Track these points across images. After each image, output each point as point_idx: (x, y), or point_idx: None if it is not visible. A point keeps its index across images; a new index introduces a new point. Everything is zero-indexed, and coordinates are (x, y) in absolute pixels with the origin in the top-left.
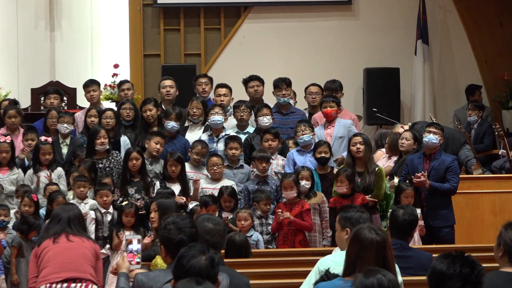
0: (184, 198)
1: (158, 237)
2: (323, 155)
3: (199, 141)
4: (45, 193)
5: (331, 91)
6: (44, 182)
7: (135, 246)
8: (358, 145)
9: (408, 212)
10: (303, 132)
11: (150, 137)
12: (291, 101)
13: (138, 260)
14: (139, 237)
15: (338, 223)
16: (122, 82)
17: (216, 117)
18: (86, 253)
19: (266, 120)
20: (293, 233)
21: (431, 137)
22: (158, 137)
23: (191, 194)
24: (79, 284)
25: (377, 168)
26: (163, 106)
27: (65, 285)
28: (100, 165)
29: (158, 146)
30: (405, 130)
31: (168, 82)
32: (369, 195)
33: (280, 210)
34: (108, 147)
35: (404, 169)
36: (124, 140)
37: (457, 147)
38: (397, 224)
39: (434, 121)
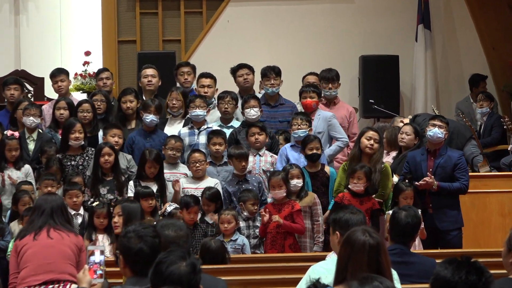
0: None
1: (117, 245)
2: (314, 151)
3: (172, 136)
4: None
5: (327, 81)
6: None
7: (98, 257)
8: (373, 142)
9: (411, 214)
10: (299, 127)
11: (105, 132)
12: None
13: (101, 272)
14: (103, 247)
15: (330, 225)
16: (100, 71)
17: (197, 111)
18: (65, 251)
19: (253, 113)
20: (282, 236)
21: (436, 131)
22: (113, 129)
23: (173, 196)
24: (57, 285)
25: (382, 165)
26: (144, 98)
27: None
28: (73, 162)
29: (115, 139)
30: (405, 124)
31: (149, 71)
32: (374, 195)
33: (263, 212)
34: (83, 142)
35: (404, 167)
36: (101, 136)
37: (462, 143)
38: (399, 228)
39: (438, 114)
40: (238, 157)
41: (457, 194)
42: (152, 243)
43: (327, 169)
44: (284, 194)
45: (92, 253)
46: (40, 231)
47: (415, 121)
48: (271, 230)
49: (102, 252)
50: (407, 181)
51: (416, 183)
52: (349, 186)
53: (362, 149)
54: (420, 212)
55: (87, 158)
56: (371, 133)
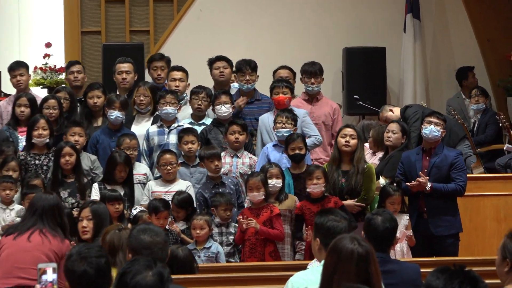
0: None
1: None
2: (297, 151)
3: (124, 134)
4: None
5: (310, 76)
6: None
7: (50, 276)
8: (348, 138)
9: (388, 218)
10: (283, 125)
11: (66, 130)
12: (235, 86)
13: None
14: (54, 265)
15: (313, 228)
16: (71, 63)
17: (168, 109)
18: (40, 258)
19: (224, 110)
20: (262, 243)
21: (432, 129)
22: (73, 127)
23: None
24: None
25: (365, 166)
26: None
27: None
28: (37, 162)
29: (75, 138)
30: (392, 122)
31: (125, 66)
32: (356, 199)
33: (240, 217)
34: (48, 140)
35: (399, 168)
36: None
37: (454, 142)
38: (377, 234)
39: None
40: (209, 158)
41: (452, 196)
42: (98, 264)
43: None
44: (263, 197)
45: (44, 272)
46: (25, 232)
47: (406, 112)
48: (249, 237)
49: (54, 270)
50: (395, 184)
51: (408, 184)
52: (308, 190)
53: (340, 149)
54: (407, 218)
55: (53, 158)
56: (345, 130)
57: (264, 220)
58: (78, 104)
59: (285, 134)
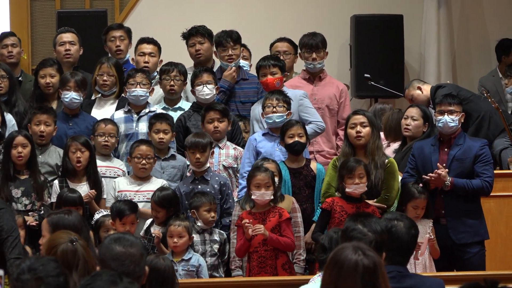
0: (94, 192)
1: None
2: (296, 139)
3: (101, 119)
4: None
5: (311, 50)
6: None
7: None
8: (360, 127)
9: (411, 223)
10: (274, 109)
11: (30, 117)
12: (244, 63)
13: None
14: (1, 272)
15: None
16: (4, 35)
17: (138, 91)
18: None
19: (207, 91)
20: (273, 255)
21: (446, 120)
22: (38, 114)
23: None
24: None
25: (386, 161)
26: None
27: None
28: None
29: (41, 127)
30: (410, 106)
31: (67, 36)
32: (375, 200)
33: (247, 221)
34: None
35: (409, 162)
36: (8, 120)
37: (493, 133)
38: (401, 244)
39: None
40: (190, 147)
41: (477, 195)
42: (56, 284)
43: (314, 165)
44: (272, 197)
45: None
46: None
47: (436, 94)
48: (256, 248)
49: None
50: (420, 185)
51: (425, 176)
52: (347, 190)
53: (352, 142)
54: (431, 224)
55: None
56: (354, 119)
57: (273, 226)
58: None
59: (277, 120)
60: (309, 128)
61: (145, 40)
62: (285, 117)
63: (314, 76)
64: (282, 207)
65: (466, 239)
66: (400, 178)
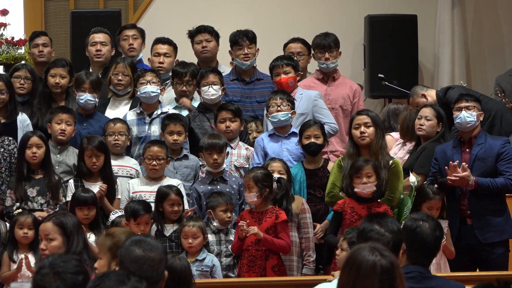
0: (105, 186)
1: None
2: (312, 140)
3: (111, 119)
4: None
5: (323, 50)
6: None
7: None
8: (364, 128)
9: (436, 224)
10: (279, 108)
11: (51, 116)
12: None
13: None
14: (28, 285)
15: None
16: (36, 34)
17: (148, 88)
18: None
19: (212, 92)
20: (263, 255)
21: (464, 115)
22: (63, 114)
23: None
24: None
25: (391, 161)
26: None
27: None
28: None
29: (62, 126)
30: (424, 106)
31: (99, 37)
32: (379, 200)
33: (243, 222)
34: None
35: (433, 166)
36: (23, 120)
37: (506, 131)
38: (426, 245)
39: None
40: (208, 149)
41: (501, 193)
42: (73, 281)
43: (331, 166)
44: (255, 199)
45: None
46: None
47: (447, 95)
48: (248, 247)
49: None
50: (435, 185)
51: (449, 177)
52: (356, 190)
53: (356, 142)
54: (446, 225)
55: (3, 150)
56: (358, 119)
57: (268, 227)
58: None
59: (282, 119)
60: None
61: (160, 40)
62: (289, 115)
63: (327, 76)
64: (292, 207)
65: (493, 238)
66: (413, 178)
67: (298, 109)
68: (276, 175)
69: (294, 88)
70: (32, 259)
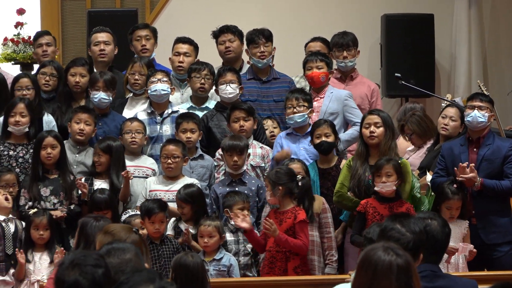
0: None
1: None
2: (323, 139)
3: (129, 118)
4: None
5: (342, 48)
6: None
7: None
8: (373, 127)
9: (446, 223)
10: (295, 110)
11: (71, 116)
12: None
13: None
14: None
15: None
16: (39, 34)
17: (159, 86)
18: None
19: (230, 90)
20: (284, 257)
21: (476, 114)
22: (82, 114)
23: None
24: None
25: (398, 160)
26: (94, 70)
27: None
28: (11, 152)
29: (81, 126)
30: (448, 105)
31: (102, 36)
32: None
33: (270, 221)
34: (27, 129)
35: (439, 163)
36: (48, 121)
37: None
38: (436, 243)
39: (484, 91)
40: (228, 150)
41: (506, 196)
42: (93, 274)
43: (343, 164)
44: (269, 197)
45: None
46: None
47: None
48: (270, 248)
49: None
50: (455, 185)
51: (457, 178)
52: (375, 188)
53: (366, 142)
54: (467, 225)
55: (31, 150)
56: (368, 119)
57: (287, 227)
58: None
59: (298, 120)
60: (353, 129)
61: (180, 39)
62: (306, 116)
63: (345, 76)
64: (313, 207)
65: (497, 239)
66: (430, 177)
67: (328, 108)
68: (299, 176)
69: (325, 86)
70: (46, 258)
